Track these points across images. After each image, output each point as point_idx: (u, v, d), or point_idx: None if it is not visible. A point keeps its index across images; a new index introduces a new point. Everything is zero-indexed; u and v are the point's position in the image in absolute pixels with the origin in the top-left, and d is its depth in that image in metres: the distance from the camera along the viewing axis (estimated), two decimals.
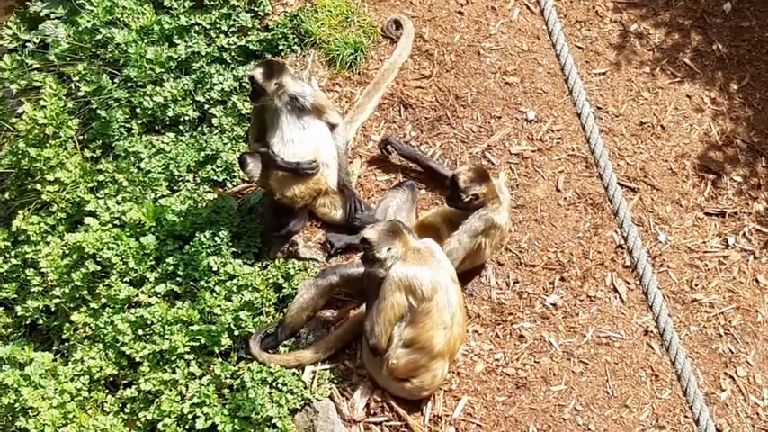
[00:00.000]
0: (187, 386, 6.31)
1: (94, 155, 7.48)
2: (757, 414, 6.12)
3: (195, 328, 6.39)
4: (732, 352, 6.30)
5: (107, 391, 6.60)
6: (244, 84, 7.36)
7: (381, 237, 5.80)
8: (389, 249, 5.78)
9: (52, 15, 8.16)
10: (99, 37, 7.74)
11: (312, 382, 6.14)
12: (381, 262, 5.81)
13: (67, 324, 6.81)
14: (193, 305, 6.54)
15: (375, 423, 6.05)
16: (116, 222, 7.00)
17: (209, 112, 7.35)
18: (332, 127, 6.63)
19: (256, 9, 7.74)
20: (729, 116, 7.18)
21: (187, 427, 6.18)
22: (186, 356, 6.39)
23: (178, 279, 6.71)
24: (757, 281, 6.54)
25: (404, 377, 5.97)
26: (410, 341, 5.85)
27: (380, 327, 5.81)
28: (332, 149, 6.63)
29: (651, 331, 6.26)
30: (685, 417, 6.02)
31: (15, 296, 7.17)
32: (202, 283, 6.58)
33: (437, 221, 6.45)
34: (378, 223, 6.00)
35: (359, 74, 7.41)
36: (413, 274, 5.74)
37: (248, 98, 6.70)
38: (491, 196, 6.22)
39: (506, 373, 6.19)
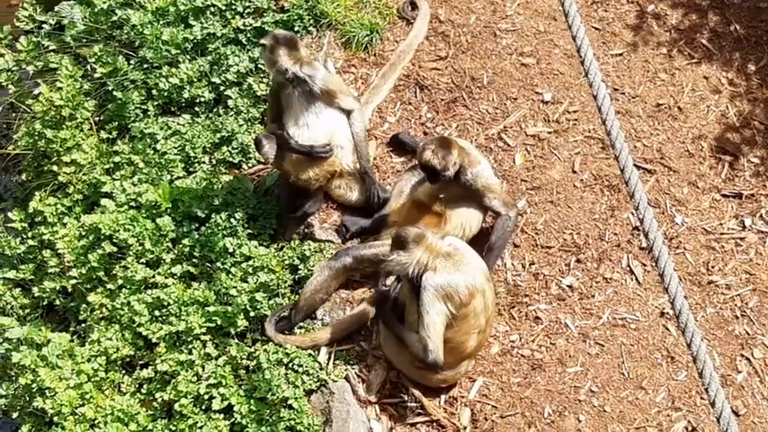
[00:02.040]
0: (203, 367, 6.34)
1: (110, 136, 7.49)
2: None
3: (211, 309, 6.42)
4: (748, 334, 6.28)
5: (124, 371, 6.63)
6: (259, 65, 7.35)
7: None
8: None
9: None
10: (115, 18, 7.74)
11: (328, 364, 6.16)
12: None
13: (84, 305, 6.85)
14: (209, 286, 6.56)
15: (390, 404, 6.07)
16: (132, 204, 7.01)
17: (225, 93, 7.35)
18: (347, 113, 6.61)
19: None
20: (747, 97, 7.14)
21: (203, 407, 6.21)
22: (202, 337, 6.42)
23: (194, 260, 6.73)
24: None
25: None
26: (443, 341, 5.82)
27: (434, 341, 5.72)
28: (346, 131, 6.61)
29: (667, 313, 6.25)
30: (701, 399, 6.02)
31: (32, 277, 7.20)
32: (218, 264, 6.60)
33: (425, 199, 6.41)
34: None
35: (374, 55, 7.39)
36: (446, 282, 5.67)
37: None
38: (466, 157, 6.23)
39: (522, 355, 6.19)
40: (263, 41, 6.47)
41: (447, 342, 5.79)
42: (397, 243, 5.75)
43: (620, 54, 7.33)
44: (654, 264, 6.36)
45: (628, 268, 6.46)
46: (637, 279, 6.42)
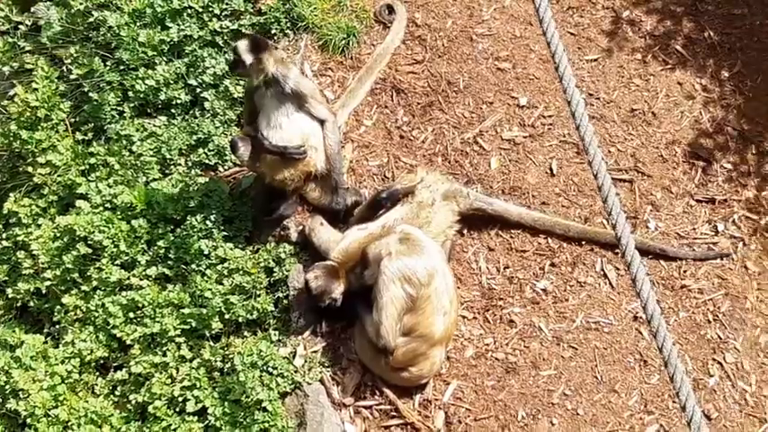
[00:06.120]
0: (178, 369, 6.33)
1: (86, 138, 7.46)
2: (745, 400, 6.15)
3: (186, 311, 6.42)
4: (720, 338, 6.33)
5: (98, 373, 6.62)
6: None
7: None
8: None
9: None
10: (91, 19, 7.71)
11: (303, 366, 6.16)
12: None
13: (58, 307, 6.83)
14: (184, 288, 6.55)
15: (365, 407, 6.08)
16: (107, 205, 6.99)
17: (202, 95, 7.34)
18: (321, 122, 6.60)
19: None
20: (720, 103, 7.19)
21: (177, 409, 6.21)
22: (177, 339, 6.41)
23: (169, 262, 6.72)
24: (746, 267, 6.56)
25: (402, 366, 5.99)
26: (410, 329, 5.85)
27: (386, 325, 5.79)
28: (320, 133, 6.60)
29: (640, 317, 6.28)
30: (673, 402, 6.05)
31: (6, 278, 7.17)
32: (193, 266, 6.59)
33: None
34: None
35: (351, 58, 7.40)
36: (404, 265, 5.74)
37: (230, 69, 6.68)
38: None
39: (496, 358, 6.21)
40: (235, 44, 6.44)
41: (414, 329, 5.85)
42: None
43: (596, 59, 7.36)
44: (627, 268, 6.39)
45: (601, 272, 6.49)
46: (610, 283, 6.45)
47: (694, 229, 6.69)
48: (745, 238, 6.67)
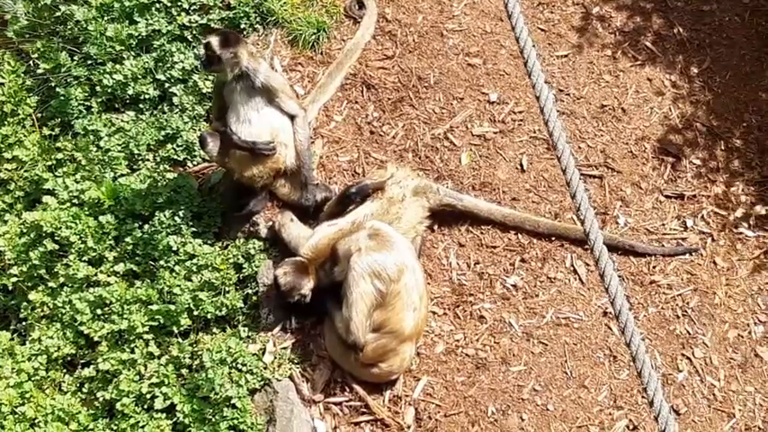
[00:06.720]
0: (146, 366, 6.29)
1: (53, 133, 7.41)
2: (713, 395, 6.18)
3: (154, 307, 6.38)
4: (689, 333, 6.35)
5: (65, 370, 6.57)
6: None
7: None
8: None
9: None
10: (58, 14, 7.66)
11: (272, 363, 6.14)
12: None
13: (25, 303, 6.77)
14: (152, 285, 6.51)
15: (335, 403, 6.06)
16: (75, 201, 6.94)
17: (170, 90, 7.29)
18: (291, 117, 6.56)
19: None
20: (689, 99, 7.22)
21: (146, 406, 6.17)
22: (145, 336, 6.38)
23: (137, 258, 6.68)
24: (715, 263, 6.59)
25: (372, 362, 5.98)
26: (379, 325, 5.84)
27: (356, 321, 5.79)
28: (290, 129, 6.57)
29: (610, 312, 6.29)
30: (642, 397, 6.07)
31: None
32: (162, 262, 6.55)
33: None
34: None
35: (321, 54, 7.38)
36: (373, 260, 5.74)
37: (202, 66, 6.64)
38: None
39: (466, 354, 6.21)
40: (207, 41, 6.38)
41: (383, 325, 5.84)
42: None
43: (566, 55, 7.37)
44: (596, 263, 6.40)
45: (571, 268, 6.50)
46: (580, 278, 6.46)
47: (663, 224, 6.71)
48: (713, 234, 6.70)
